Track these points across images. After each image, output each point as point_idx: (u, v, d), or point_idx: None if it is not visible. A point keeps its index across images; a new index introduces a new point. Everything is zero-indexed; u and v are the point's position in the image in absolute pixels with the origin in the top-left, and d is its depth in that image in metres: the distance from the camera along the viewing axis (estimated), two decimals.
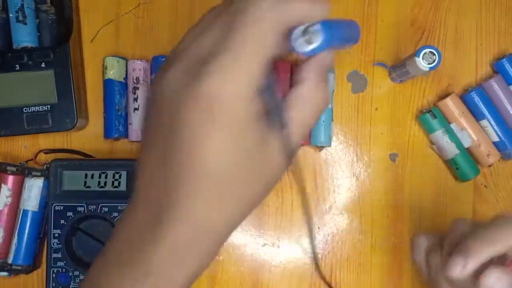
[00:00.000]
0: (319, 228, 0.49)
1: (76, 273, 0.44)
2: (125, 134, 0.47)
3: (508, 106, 0.48)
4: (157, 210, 0.23)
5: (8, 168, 0.45)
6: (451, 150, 0.47)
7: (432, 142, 0.49)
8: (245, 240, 0.49)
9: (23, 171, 0.46)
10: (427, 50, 0.42)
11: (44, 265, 0.47)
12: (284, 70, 0.47)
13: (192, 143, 0.22)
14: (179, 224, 0.23)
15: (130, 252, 0.24)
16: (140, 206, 0.25)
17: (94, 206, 0.44)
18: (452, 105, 0.47)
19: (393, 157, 0.50)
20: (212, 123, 0.22)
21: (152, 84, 0.24)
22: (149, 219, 0.24)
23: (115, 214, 0.45)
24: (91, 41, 0.49)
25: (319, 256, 0.49)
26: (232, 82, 0.22)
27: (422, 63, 0.42)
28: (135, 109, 0.46)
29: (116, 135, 0.47)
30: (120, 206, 0.45)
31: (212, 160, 0.23)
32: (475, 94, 0.47)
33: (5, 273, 0.45)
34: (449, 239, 0.35)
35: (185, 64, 0.23)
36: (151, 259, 0.23)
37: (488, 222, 0.34)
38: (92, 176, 0.45)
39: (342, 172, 0.50)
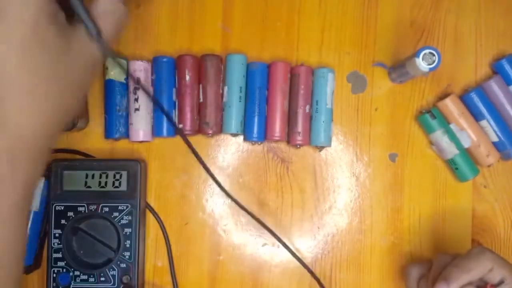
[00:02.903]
0: (319, 228, 0.50)
1: (77, 273, 0.44)
2: (126, 135, 0.47)
3: (507, 107, 0.48)
4: None
5: None
6: (451, 150, 0.47)
7: (431, 143, 0.49)
8: (245, 240, 0.49)
9: None
10: (427, 51, 0.42)
11: (44, 265, 0.47)
12: (284, 70, 0.47)
13: None
14: None
15: None
16: None
17: (95, 206, 0.45)
18: (451, 106, 0.48)
19: (393, 157, 0.50)
20: None
21: None
22: None
23: (116, 214, 0.45)
24: None
25: (319, 256, 0.50)
26: None
27: (422, 64, 0.42)
28: (136, 109, 0.46)
29: (116, 136, 0.47)
30: (121, 206, 0.45)
31: (7, 66, 0.25)
32: (474, 95, 0.48)
33: None
34: (433, 270, 0.41)
35: None
36: None
37: (465, 253, 0.40)
38: (93, 176, 0.45)
39: (342, 172, 0.50)
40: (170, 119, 0.36)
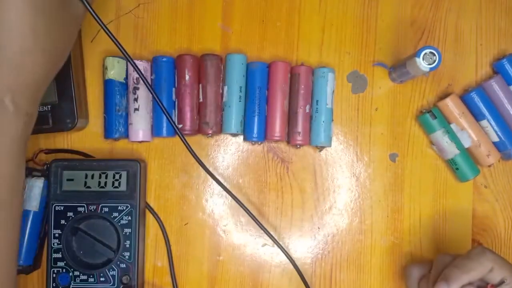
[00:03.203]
0: (319, 228, 0.50)
1: (76, 273, 0.44)
2: (125, 135, 0.47)
3: (508, 106, 0.48)
4: None
5: None
6: (451, 150, 0.47)
7: (432, 142, 0.49)
8: (245, 240, 0.49)
9: None
10: (427, 51, 0.42)
11: (44, 265, 0.47)
12: (284, 70, 0.47)
13: None
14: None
15: None
16: None
17: (94, 206, 0.45)
18: (452, 105, 0.47)
19: (393, 157, 0.50)
20: None
21: None
22: None
23: (115, 214, 0.45)
24: (91, 41, 0.49)
25: (319, 256, 0.49)
26: None
27: (422, 63, 0.42)
28: (136, 109, 0.46)
29: (116, 136, 0.47)
30: (120, 206, 0.45)
31: (13, 17, 0.29)
32: (475, 94, 0.47)
33: None
34: (434, 270, 0.41)
35: None
36: None
37: (466, 253, 0.40)
38: (92, 176, 0.45)
39: (342, 172, 0.50)
40: (167, 115, 0.37)
